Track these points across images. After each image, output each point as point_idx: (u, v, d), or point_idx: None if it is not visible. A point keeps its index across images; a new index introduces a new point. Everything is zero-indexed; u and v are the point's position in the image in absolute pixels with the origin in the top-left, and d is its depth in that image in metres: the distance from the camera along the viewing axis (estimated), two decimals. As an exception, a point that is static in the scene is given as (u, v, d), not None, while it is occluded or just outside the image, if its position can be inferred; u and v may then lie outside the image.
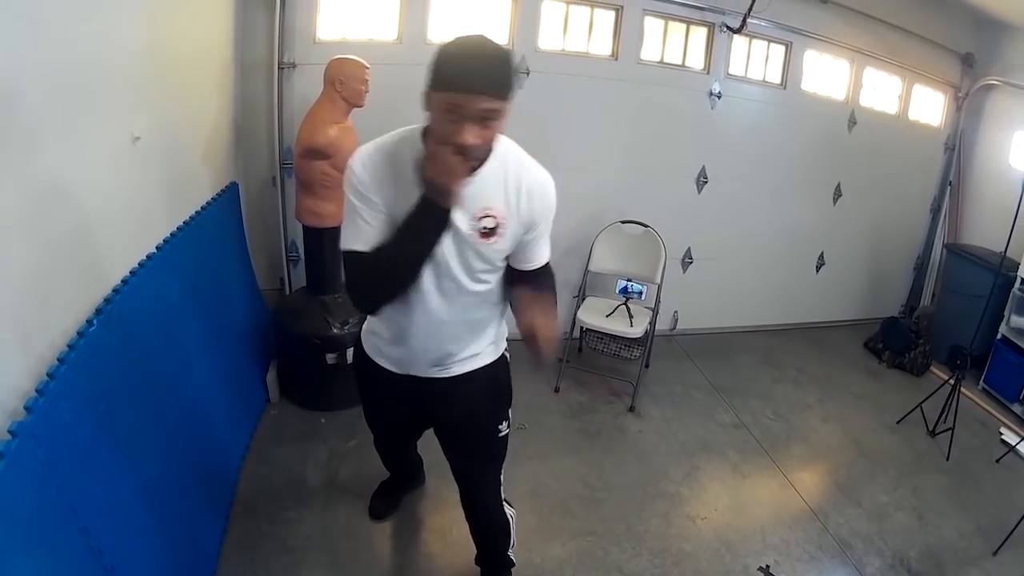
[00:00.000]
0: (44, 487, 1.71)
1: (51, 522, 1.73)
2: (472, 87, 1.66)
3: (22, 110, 1.79)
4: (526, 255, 2.07)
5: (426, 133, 1.86)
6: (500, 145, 1.90)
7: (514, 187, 1.93)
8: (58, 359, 1.91)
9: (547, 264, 2.14)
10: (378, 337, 2.27)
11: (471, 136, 1.70)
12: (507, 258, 2.06)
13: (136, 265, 2.55)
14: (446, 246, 1.92)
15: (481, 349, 2.30)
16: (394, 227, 1.87)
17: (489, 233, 1.94)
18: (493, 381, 2.38)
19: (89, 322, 2.12)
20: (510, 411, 2.48)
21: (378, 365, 2.30)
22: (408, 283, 1.93)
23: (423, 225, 1.83)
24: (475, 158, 1.79)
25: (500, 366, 2.40)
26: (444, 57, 1.70)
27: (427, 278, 1.98)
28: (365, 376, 2.42)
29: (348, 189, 1.91)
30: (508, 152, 1.95)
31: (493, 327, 2.30)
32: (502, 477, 2.59)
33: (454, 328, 2.16)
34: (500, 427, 2.43)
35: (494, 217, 1.92)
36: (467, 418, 2.39)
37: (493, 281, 2.09)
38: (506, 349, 2.42)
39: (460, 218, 1.89)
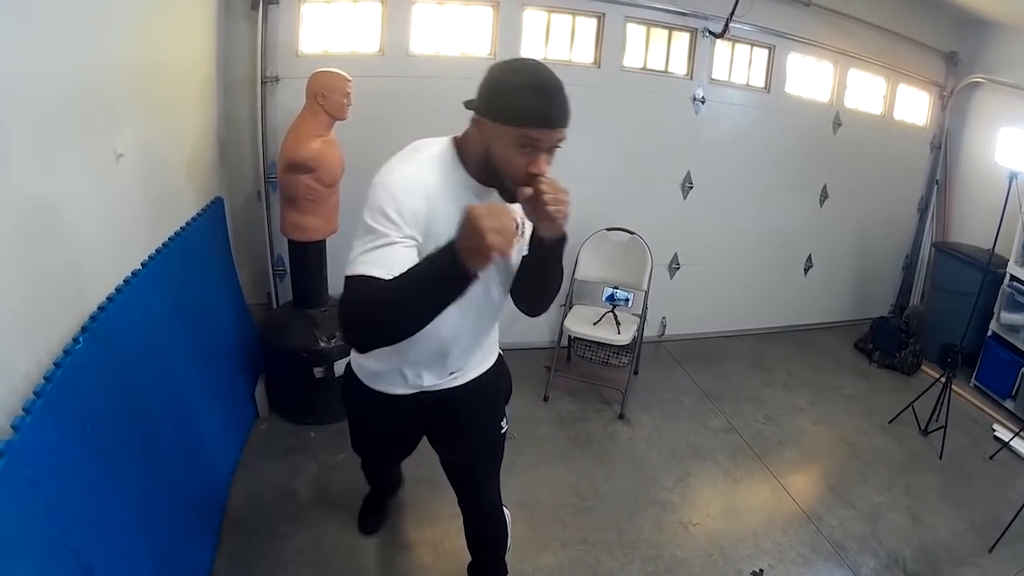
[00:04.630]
0: (33, 506, 1.71)
1: (41, 541, 1.73)
2: (555, 122, 1.69)
3: (6, 128, 1.79)
4: None
5: (462, 153, 1.85)
6: None
7: None
8: (44, 377, 1.90)
9: None
10: (381, 361, 2.20)
11: (546, 166, 1.72)
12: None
13: (121, 282, 2.55)
14: None
15: (488, 352, 2.33)
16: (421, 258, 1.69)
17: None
18: (496, 380, 2.39)
19: (75, 340, 2.12)
20: (507, 407, 2.49)
21: (379, 392, 2.25)
22: (414, 332, 1.72)
23: (449, 281, 1.61)
24: None
25: (500, 364, 2.42)
26: (516, 90, 1.68)
27: None
28: (363, 407, 2.38)
29: (379, 210, 1.72)
30: None
31: (496, 328, 2.32)
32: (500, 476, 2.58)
33: (473, 336, 2.17)
34: (501, 424, 2.45)
35: (515, 219, 1.78)
36: (474, 421, 2.39)
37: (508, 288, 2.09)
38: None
39: None
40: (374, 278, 1.65)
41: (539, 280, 2.01)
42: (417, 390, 2.22)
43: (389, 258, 1.68)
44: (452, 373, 2.23)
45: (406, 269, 1.64)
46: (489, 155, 1.75)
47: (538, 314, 2.11)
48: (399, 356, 2.12)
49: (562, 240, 1.85)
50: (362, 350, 1.87)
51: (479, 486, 2.54)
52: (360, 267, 1.68)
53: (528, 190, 1.68)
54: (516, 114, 1.66)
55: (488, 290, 2.02)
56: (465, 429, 2.41)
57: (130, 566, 2.21)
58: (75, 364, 2.04)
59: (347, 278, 1.70)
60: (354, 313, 1.70)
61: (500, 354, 2.43)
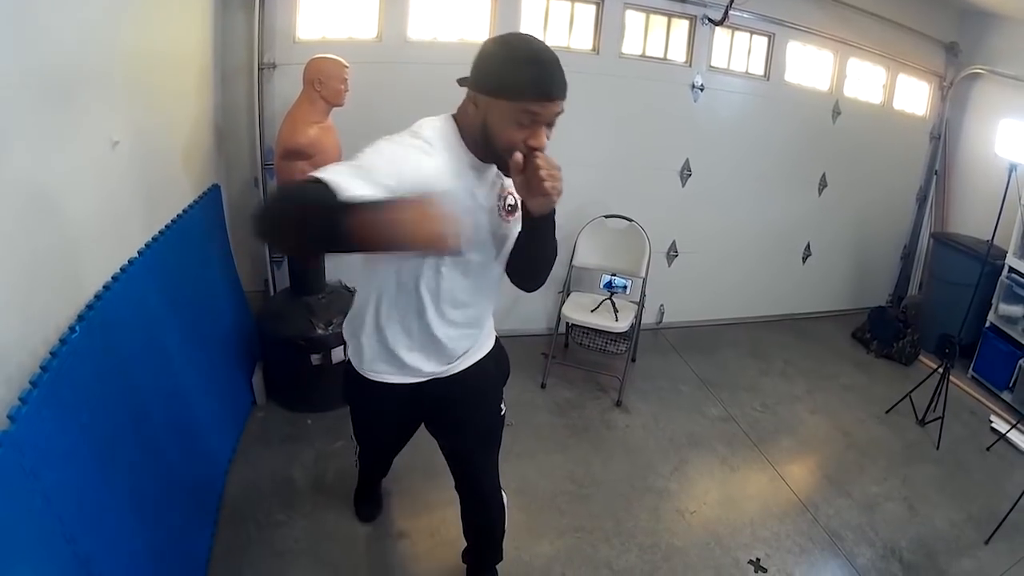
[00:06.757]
0: (29, 496, 1.70)
1: (37, 531, 1.72)
2: (554, 95, 1.68)
3: (0, 116, 1.78)
4: None
5: (461, 131, 1.85)
6: None
7: None
8: (40, 367, 1.89)
9: None
10: (386, 351, 2.14)
11: (546, 139, 1.74)
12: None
13: (117, 270, 2.53)
14: (480, 224, 1.93)
15: (487, 334, 2.34)
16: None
17: (512, 210, 1.98)
18: (496, 363, 2.40)
19: (71, 329, 2.10)
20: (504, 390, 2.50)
21: (382, 383, 2.20)
22: (309, 252, 1.74)
23: (398, 243, 1.44)
24: None
25: (498, 347, 2.42)
26: (514, 64, 1.68)
27: (456, 262, 1.96)
28: (364, 399, 2.34)
29: (389, 148, 1.71)
30: None
31: (491, 312, 2.33)
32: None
33: (475, 316, 2.18)
34: (500, 407, 2.46)
35: (513, 194, 1.94)
36: (473, 407, 2.38)
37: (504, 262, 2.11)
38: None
39: (487, 197, 1.92)
40: (324, 184, 1.45)
41: (536, 254, 2.02)
42: (419, 379, 2.20)
43: (356, 185, 1.50)
44: (456, 359, 2.22)
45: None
46: (487, 131, 1.75)
47: (534, 288, 2.15)
48: (398, 341, 2.12)
49: (552, 215, 1.87)
50: (264, 237, 1.58)
51: (479, 471, 2.54)
52: (326, 172, 1.51)
53: (519, 160, 1.69)
54: (515, 89, 1.66)
55: (486, 267, 2.04)
56: (465, 416, 2.40)
57: (127, 555, 2.21)
58: (71, 353, 2.02)
59: (308, 176, 1.52)
60: (286, 203, 1.52)
61: (497, 337, 2.43)
